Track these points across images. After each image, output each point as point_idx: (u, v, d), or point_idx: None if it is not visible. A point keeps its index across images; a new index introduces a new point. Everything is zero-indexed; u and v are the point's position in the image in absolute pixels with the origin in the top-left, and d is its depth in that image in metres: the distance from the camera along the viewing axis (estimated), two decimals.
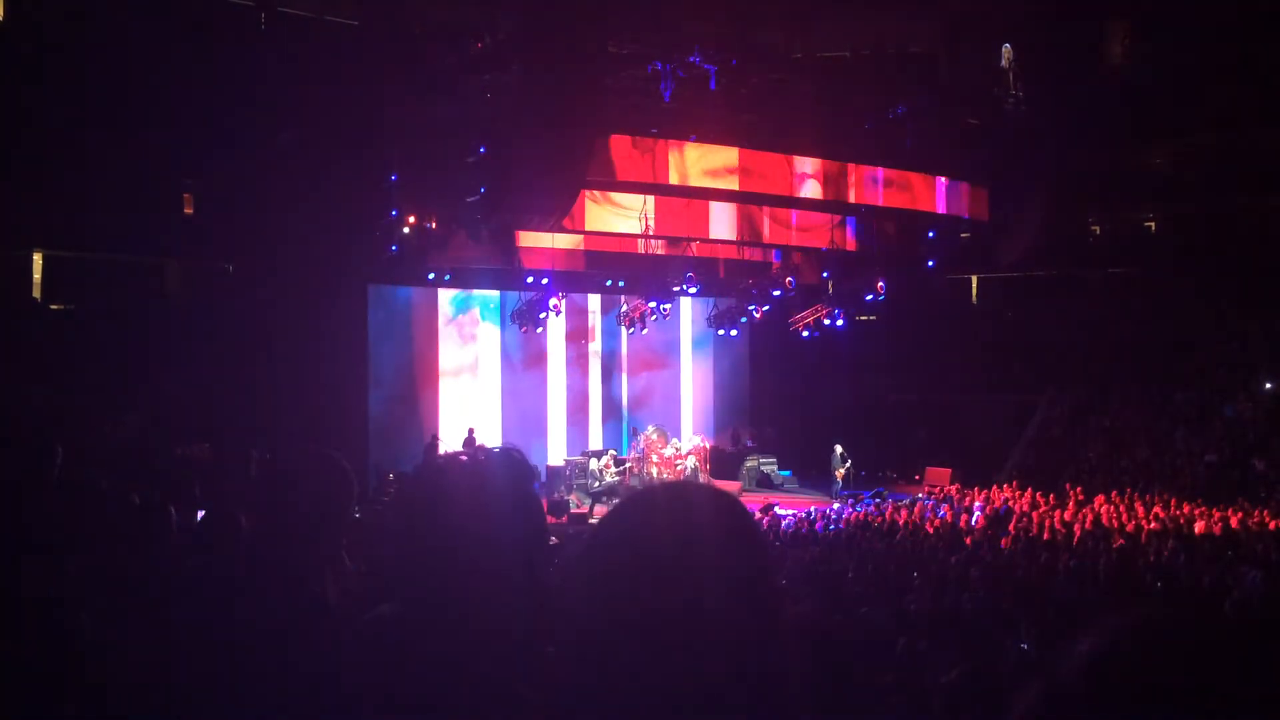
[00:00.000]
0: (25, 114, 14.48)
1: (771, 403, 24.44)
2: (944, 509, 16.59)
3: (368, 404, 19.34)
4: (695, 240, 20.21)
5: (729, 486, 19.25)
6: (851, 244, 20.93)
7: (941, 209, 19.17)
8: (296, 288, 17.02)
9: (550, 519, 14.62)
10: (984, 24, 21.31)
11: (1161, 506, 15.70)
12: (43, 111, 14.61)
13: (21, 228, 16.11)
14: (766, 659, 1.07)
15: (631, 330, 22.10)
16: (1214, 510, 15.20)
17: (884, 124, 17.71)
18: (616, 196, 17.30)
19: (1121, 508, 15.48)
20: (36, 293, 18.08)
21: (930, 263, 21.33)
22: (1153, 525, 13.96)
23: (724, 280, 22.67)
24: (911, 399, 23.79)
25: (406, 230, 16.64)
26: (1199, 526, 13.82)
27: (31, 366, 13.90)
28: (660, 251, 21.05)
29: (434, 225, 17.05)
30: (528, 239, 18.94)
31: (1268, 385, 20.62)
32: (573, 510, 16.76)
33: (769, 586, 1.15)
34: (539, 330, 20.11)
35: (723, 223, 18.98)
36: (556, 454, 21.59)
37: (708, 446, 22.10)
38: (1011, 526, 14.14)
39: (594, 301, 22.75)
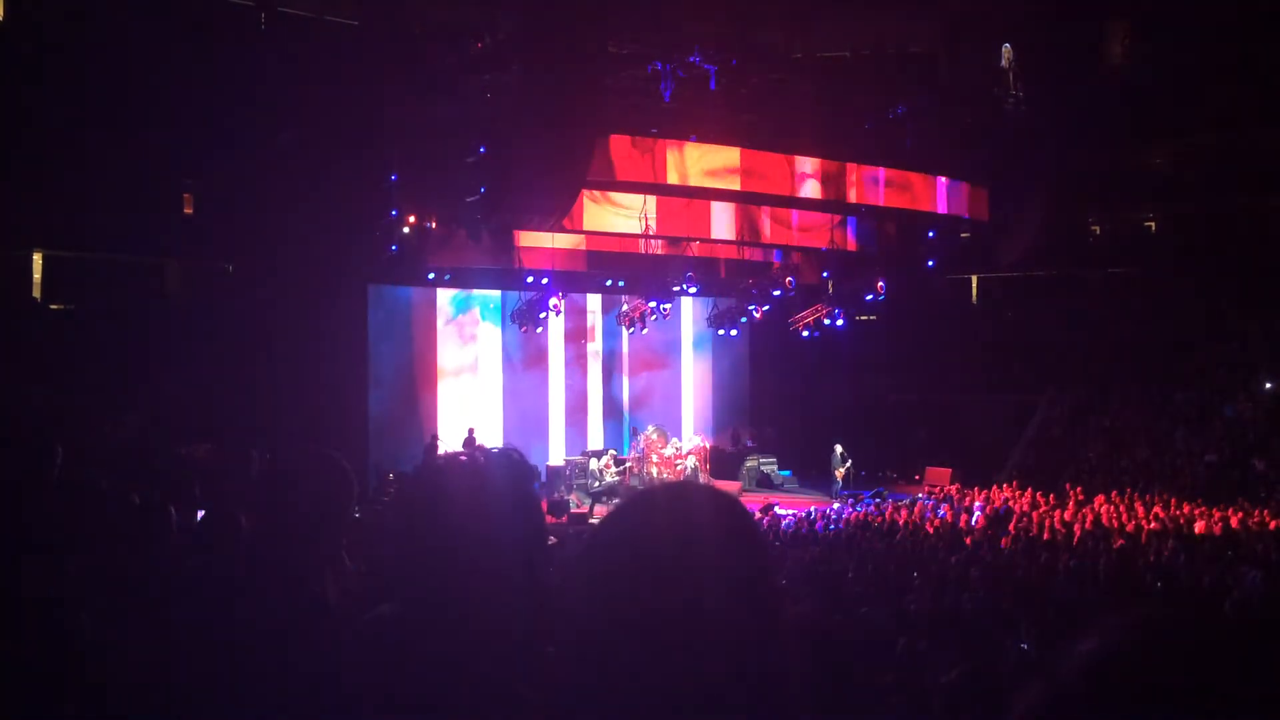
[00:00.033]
0: (25, 114, 14.48)
1: (771, 403, 24.43)
2: (944, 509, 16.59)
3: (368, 404, 19.34)
4: (696, 240, 20.21)
5: (729, 486, 19.25)
6: (852, 244, 20.93)
7: (942, 209, 19.17)
8: (296, 288, 17.02)
9: (550, 519, 14.62)
10: (984, 24, 21.32)
11: (1161, 506, 15.70)
12: (43, 111, 14.61)
13: (21, 228, 16.11)
14: (766, 659, 1.07)
15: (631, 330, 22.11)
16: (1214, 510, 15.20)
17: (884, 124, 17.72)
18: (616, 196, 17.30)
19: (1121, 508, 15.48)
20: (36, 293, 18.08)
21: (930, 263, 21.33)
22: (1153, 525, 13.96)
23: (724, 280, 22.67)
24: (911, 399, 23.80)
25: (406, 230, 16.65)
26: (1199, 526, 13.83)
27: (31, 366, 13.89)
28: (660, 251, 21.05)
29: (434, 225, 17.06)
30: (528, 239, 18.93)
31: (1268, 385, 20.62)
32: (573, 510, 16.75)
33: (769, 586, 1.15)
34: (539, 330, 20.11)
35: (723, 223, 18.98)
36: (556, 454, 21.60)
37: (708, 446, 22.10)
38: (1011, 526, 14.14)
39: (594, 301, 22.75)
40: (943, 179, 19.02)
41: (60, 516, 3.14)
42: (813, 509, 17.16)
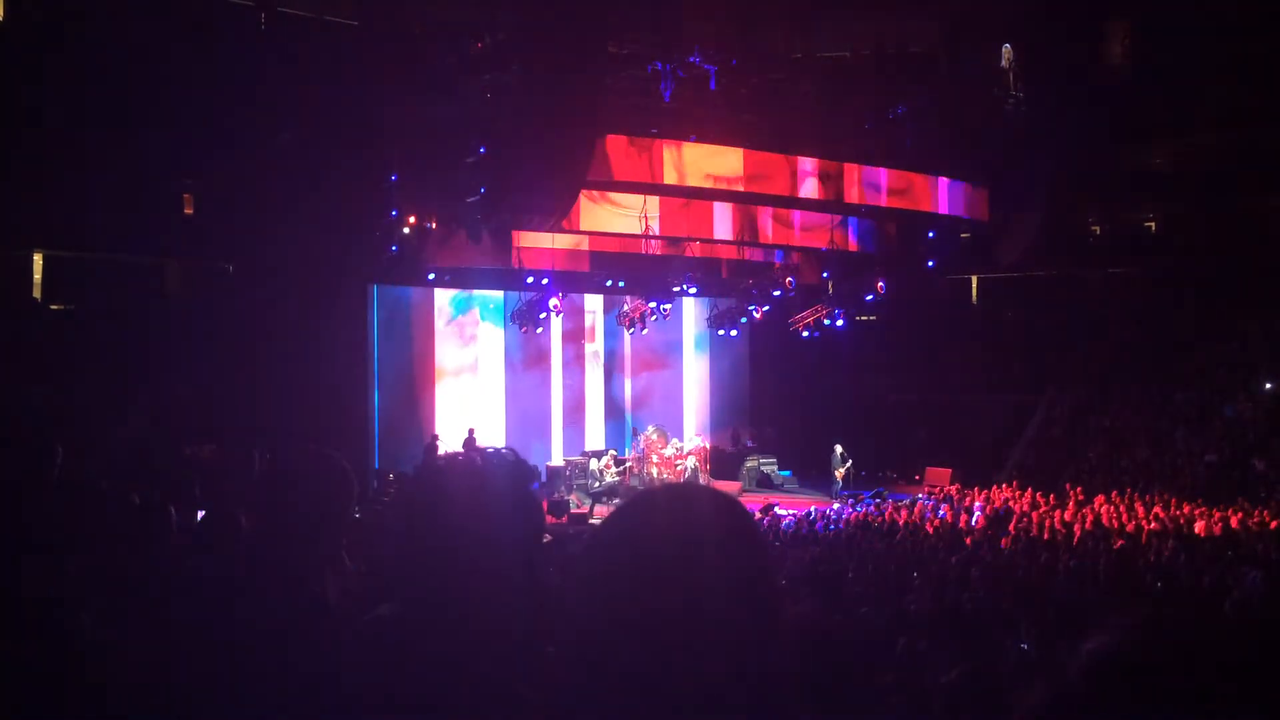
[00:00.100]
0: (25, 114, 14.47)
1: (771, 403, 24.43)
2: (944, 509, 16.59)
3: (368, 404, 19.35)
4: (696, 240, 20.21)
5: (729, 486, 19.26)
6: (852, 244, 20.94)
7: (942, 209, 19.17)
8: (296, 288, 17.03)
9: (550, 519, 14.62)
10: (984, 24, 21.31)
11: (1161, 506, 15.70)
12: (43, 111, 14.60)
13: (21, 228, 16.11)
14: (766, 659, 1.07)
15: (631, 330, 22.11)
16: (1214, 510, 15.20)
17: (884, 124, 17.71)
18: (615, 196, 17.31)
19: (1121, 508, 15.48)
20: (36, 293, 18.09)
21: (930, 263, 21.33)
22: (1153, 525, 13.96)
23: (724, 280, 22.68)
24: (911, 399, 23.80)
25: (406, 230, 16.65)
26: (1199, 526, 13.83)
27: (31, 366, 13.90)
28: (660, 252, 21.05)
29: (434, 225, 17.06)
30: (528, 239, 18.94)
31: (1268, 385, 20.62)
32: (573, 510, 16.77)
33: (769, 586, 1.15)
34: (539, 330, 20.11)
35: (724, 223, 18.99)
36: (556, 454, 21.60)
37: (708, 447, 22.11)
38: (1011, 526, 14.14)
39: (594, 301, 22.75)
40: (943, 179, 19.03)
41: (60, 516, 3.14)
42: (813, 509, 17.16)
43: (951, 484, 19.75)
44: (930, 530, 14.25)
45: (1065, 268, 25.33)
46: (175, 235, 17.73)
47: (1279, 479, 18.01)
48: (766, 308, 22.15)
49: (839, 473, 20.27)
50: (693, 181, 16.26)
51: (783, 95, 17.37)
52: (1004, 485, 18.70)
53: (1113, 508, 15.38)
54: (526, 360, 21.79)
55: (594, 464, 19.85)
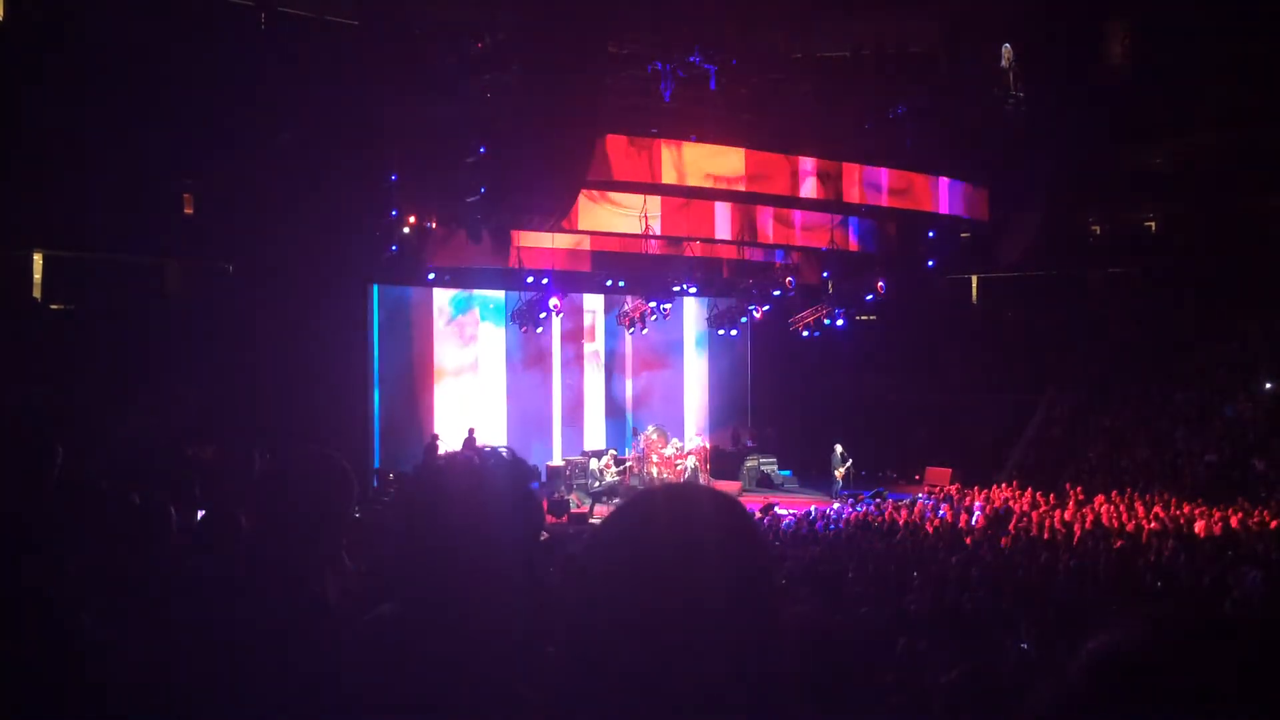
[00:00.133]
0: (25, 114, 14.48)
1: (771, 403, 24.44)
2: (944, 509, 16.59)
3: (368, 404, 19.36)
4: (696, 240, 20.21)
5: (729, 486, 19.26)
6: (852, 244, 20.94)
7: (942, 209, 19.17)
8: (297, 288, 17.04)
9: (550, 519, 14.63)
10: (984, 24, 21.31)
11: (1161, 506, 15.70)
12: (43, 111, 14.61)
13: (21, 228, 16.11)
14: (766, 659, 1.07)
15: (631, 330, 22.11)
16: (1214, 510, 15.19)
17: (884, 124, 17.71)
18: (615, 195, 17.31)
19: (1121, 508, 15.48)
20: (36, 293, 18.09)
21: (930, 263, 21.33)
22: (1153, 525, 13.96)
23: (724, 280, 22.68)
24: (911, 399, 23.80)
25: (406, 230, 16.65)
26: (1199, 526, 13.82)
27: (31, 366, 13.90)
28: (661, 251, 21.05)
29: (434, 225, 17.06)
30: (528, 239, 18.94)
31: (1268, 385, 20.62)
32: (573, 510, 16.77)
33: (769, 586, 1.15)
34: (539, 330, 20.12)
35: (723, 223, 19.00)
36: (556, 454, 21.60)
37: (708, 446, 22.11)
38: (1011, 526, 14.14)
39: (595, 301, 22.75)
40: (943, 179, 19.03)
41: (60, 516, 3.14)
42: (813, 509, 17.16)
43: (951, 484, 19.75)
44: (930, 530, 14.25)
45: (1065, 268, 25.33)
46: (175, 235, 17.74)
47: (1279, 479, 18.01)
48: (766, 308, 22.15)
49: (839, 473, 20.27)
50: (692, 181, 16.27)
51: (783, 95, 17.37)
52: (1004, 485, 18.69)
53: (1113, 508, 15.38)
54: (526, 360, 21.79)
55: (594, 464, 19.85)
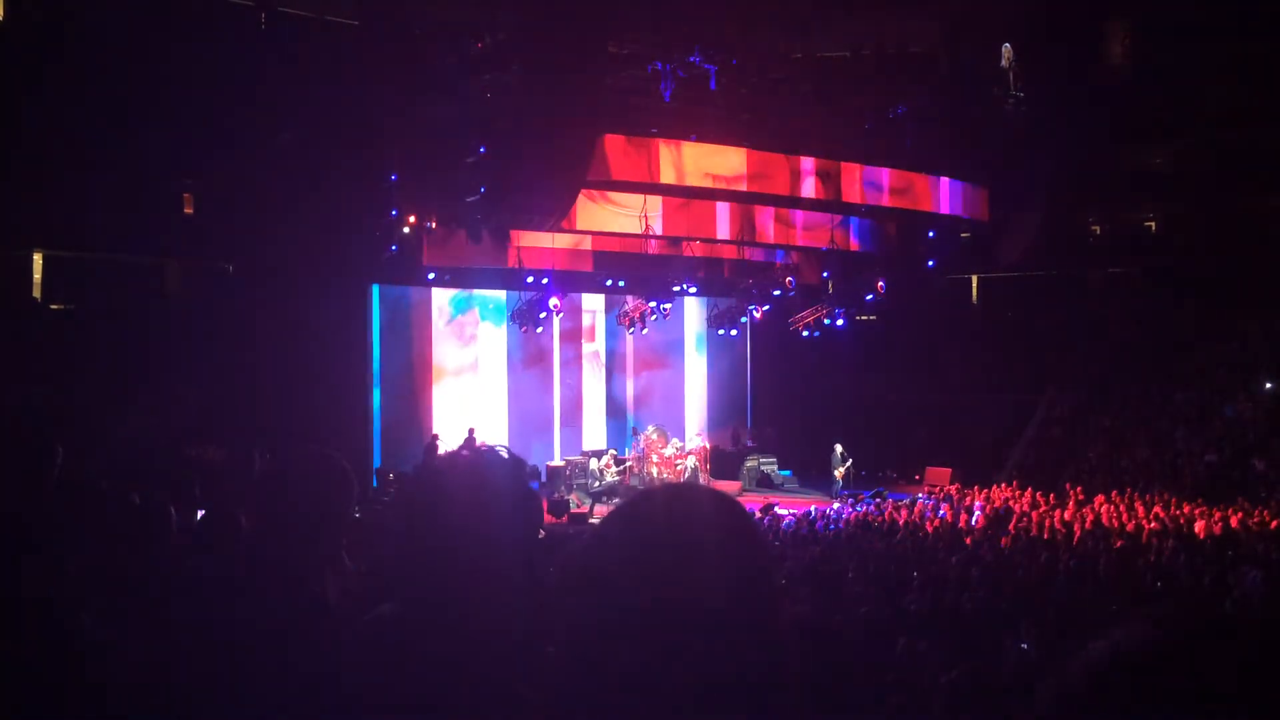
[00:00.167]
0: (25, 114, 14.48)
1: (771, 403, 24.44)
2: (944, 509, 16.59)
3: (368, 404, 19.36)
4: (696, 240, 20.21)
5: (729, 486, 19.26)
6: (853, 244, 20.95)
7: (942, 209, 19.17)
8: (297, 288, 17.04)
9: (550, 519, 14.62)
10: (984, 24, 21.31)
11: (1161, 506, 15.70)
12: (43, 111, 14.61)
13: (21, 228, 16.11)
14: (766, 659, 1.07)
15: (631, 330, 22.11)
16: (1214, 510, 15.19)
17: (884, 124, 17.71)
18: (614, 195, 17.31)
19: (1121, 508, 15.48)
20: (36, 293, 18.09)
21: (930, 263, 21.33)
22: (1153, 525, 13.96)
23: (724, 280, 22.68)
24: (911, 399, 23.80)
25: (406, 230, 16.65)
26: (1199, 526, 13.82)
27: (31, 366, 13.90)
28: (662, 251, 21.05)
29: (434, 225, 17.06)
30: (528, 239, 18.94)
31: (1268, 385, 20.62)
32: (573, 510, 16.76)
33: (769, 586, 1.15)
34: (539, 330, 20.11)
35: (723, 222, 19.00)
36: (557, 454, 21.60)
37: (708, 446, 22.11)
38: (1011, 526, 14.14)
39: (595, 301, 22.75)
40: (944, 179, 19.03)
41: (60, 516, 3.14)
42: (813, 509, 17.16)
43: (951, 484, 19.74)
44: (930, 530, 14.25)
45: (1065, 268, 25.33)
46: (175, 235, 17.74)
47: (1279, 479, 18.01)
48: (766, 308, 22.15)
49: (839, 472, 20.26)
50: (692, 181, 16.27)
51: (783, 95, 17.37)
52: (1004, 485, 18.69)
53: (1113, 508, 15.37)
54: (527, 360, 21.79)
55: (594, 464, 19.85)
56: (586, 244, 20.33)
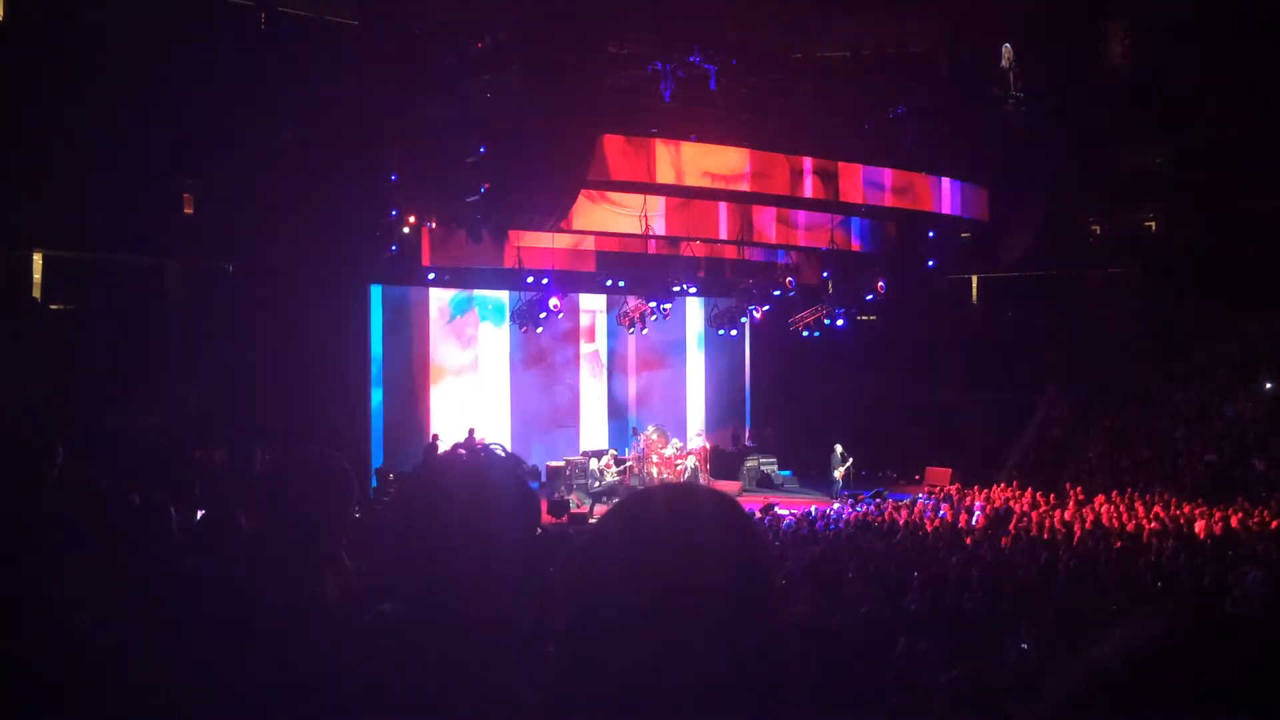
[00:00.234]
0: (25, 114, 14.48)
1: (771, 403, 24.44)
2: (944, 509, 16.59)
3: (368, 404, 19.36)
4: (695, 240, 20.21)
5: (729, 486, 19.26)
6: (854, 244, 20.95)
7: (942, 209, 19.17)
8: (297, 288, 17.03)
9: (550, 519, 14.62)
10: (984, 24, 21.31)
11: (1161, 506, 15.70)
12: (43, 111, 14.61)
13: (21, 228, 16.11)
14: (766, 659, 1.07)
15: (631, 330, 22.11)
16: (1214, 510, 15.19)
17: (884, 124, 17.71)
18: (614, 195, 17.31)
19: (1121, 508, 15.47)
20: (36, 293, 18.08)
21: (930, 263, 21.33)
22: (1153, 525, 13.96)
23: (724, 280, 22.69)
24: (911, 399, 23.79)
25: (406, 230, 16.66)
26: (1199, 526, 13.82)
27: (31, 366, 13.90)
28: (663, 251, 21.05)
29: (434, 225, 17.07)
30: (528, 239, 18.95)
31: (1268, 385, 20.62)
32: (573, 510, 16.75)
33: (769, 586, 1.15)
34: (539, 330, 20.12)
35: (724, 222, 19.01)
36: (557, 454, 21.60)
37: (708, 446, 22.11)
38: (1011, 526, 14.14)
39: (595, 301, 22.75)
40: (944, 179, 19.03)
41: (60, 516, 3.14)
42: (813, 509, 17.16)
43: (951, 484, 19.74)
44: (930, 530, 14.25)
45: (1065, 268, 25.32)
46: (175, 235, 17.73)
47: (1279, 479, 18.01)
48: (766, 307, 22.15)
49: (839, 473, 20.26)
50: (691, 181, 16.27)
51: (783, 95, 17.37)
52: (1004, 485, 18.69)
53: (1113, 508, 15.37)
54: (527, 360, 21.79)
55: (594, 464, 19.84)
56: (586, 244, 20.34)
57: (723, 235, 19.46)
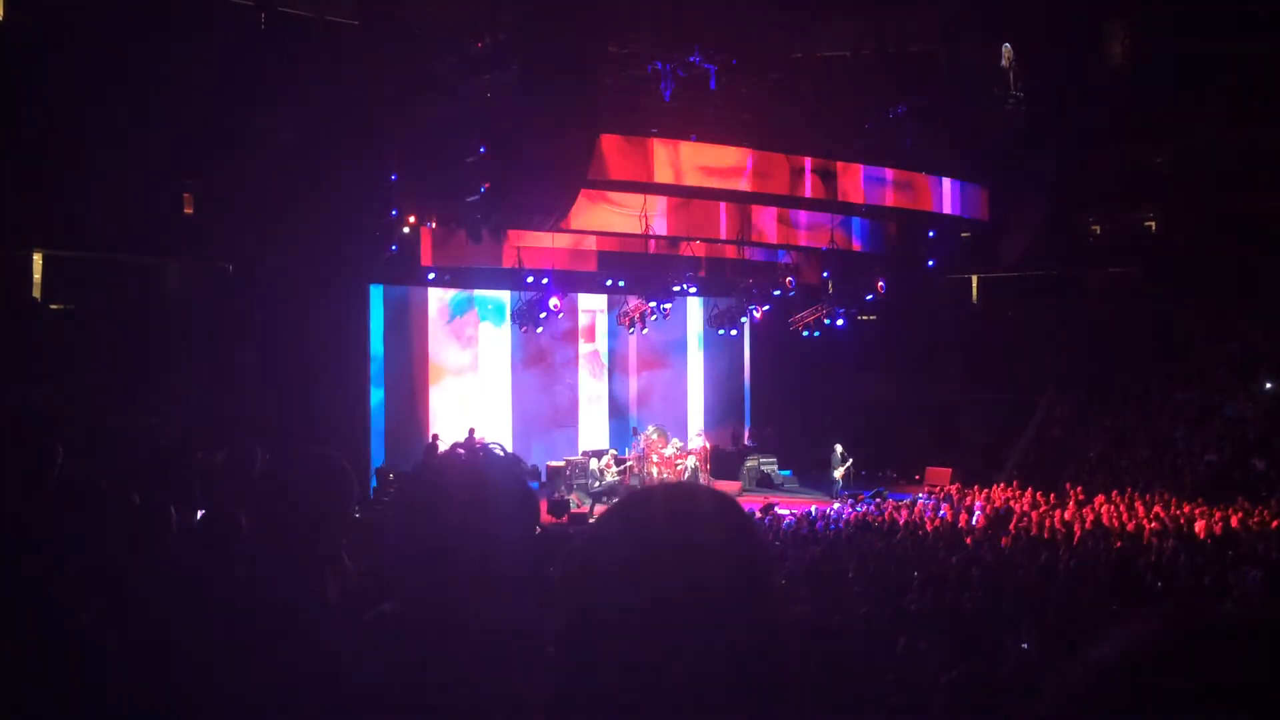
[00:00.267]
0: (25, 114, 14.48)
1: (771, 403, 24.44)
2: (944, 509, 16.59)
3: (368, 404, 19.36)
4: (695, 240, 20.21)
5: (729, 486, 19.26)
6: (854, 244, 20.95)
7: (943, 209, 19.17)
8: (297, 288, 17.04)
9: (550, 519, 14.62)
10: (984, 24, 21.32)
11: (1161, 506, 15.69)
12: (43, 111, 14.61)
13: (21, 228, 16.11)
14: (766, 659, 1.07)
15: (631, 330, 22.11)
16: (1214, 510, 15.19)
17: (884, 124, 17.72)
18: (614, 195, 17.31)
19: (1121, 508, 15.47)
20: (36, 293, 18.09)
21: (930, 263, 21.33)
22: (1153, 525, 13.96)
23: (724, 280, 22.69)
24: (911, 399, 23.80)
25: (406, 230, 16.66)
26: (1199, 526, 13.82)
27: (31, 366, 13.90)
28: (663, 251, 21.05)
29: (434, 225, 17.07)
30: (528, 239, 18.95)
31: (1268, 385, 20.62)
32: (573, 510, 16.76)
33: (769, 586, 1.15)
34: (539, 330, 20.12)
35: (724, 222, 19.01)
36: (557, 454, 21.60)
37: (708, 446, 22.11)
38: (1011, 526, 14.14)
39: (596, 301, 22.75)
40: (944, 179, 19.04)
41: (60, 516, 3.14)
42: (813, 509, 17.16)
43: (951, 484, 19.73)
44: (930, 530, 14.25)
45: (1065, 268, 25.33)
46: (175, 235, 17.74)
47: (1279, 479, 18.01)
48: (767, 307, 22.15)
49: (839, 473, 20.25)
50: (691, 181, 16.27)
51: (783, 95, 17.38)
52: (1004, 485, 18.69)
53: (1113, 508, 15.37)
54: (527, 360, 21.80)
55: (594, 464, 19.84)
56: (586, 244, 20.34)
57: (723, 235, 19.46)
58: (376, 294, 19.76)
